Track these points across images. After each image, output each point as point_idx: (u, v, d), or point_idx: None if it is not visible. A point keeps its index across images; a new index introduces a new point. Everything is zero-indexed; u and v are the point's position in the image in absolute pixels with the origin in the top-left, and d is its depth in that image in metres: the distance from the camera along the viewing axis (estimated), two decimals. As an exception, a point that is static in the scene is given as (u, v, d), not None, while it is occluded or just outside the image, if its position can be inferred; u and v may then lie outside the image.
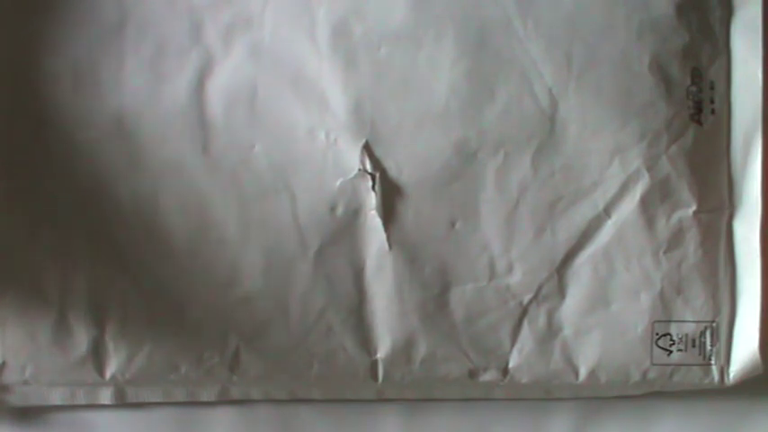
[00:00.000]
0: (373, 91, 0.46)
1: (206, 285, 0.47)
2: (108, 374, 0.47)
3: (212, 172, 0.46)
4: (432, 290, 0.47)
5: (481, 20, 0.46)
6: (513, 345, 0.48)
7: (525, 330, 0.48)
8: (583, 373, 0.48)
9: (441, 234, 0.47)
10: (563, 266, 0.48)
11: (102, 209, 0.46)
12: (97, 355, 0.47)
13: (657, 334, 0.48)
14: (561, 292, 0.48)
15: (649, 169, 0.47)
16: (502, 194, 0.47)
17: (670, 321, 0.48)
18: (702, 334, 0.48)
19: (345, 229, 0.47)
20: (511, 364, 0.48)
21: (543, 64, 0.47)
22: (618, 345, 0.48)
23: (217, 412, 0.50)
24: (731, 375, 0.49)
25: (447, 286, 0.47)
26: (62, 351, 0.47)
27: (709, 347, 0.48)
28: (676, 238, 0.48)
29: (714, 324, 0.48)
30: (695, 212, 0.48)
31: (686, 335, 0.48)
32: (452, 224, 0.47)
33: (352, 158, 0.46)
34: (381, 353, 0.48)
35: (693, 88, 0.48)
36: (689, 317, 0.48)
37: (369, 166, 0.46)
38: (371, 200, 0.47)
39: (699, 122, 0.48)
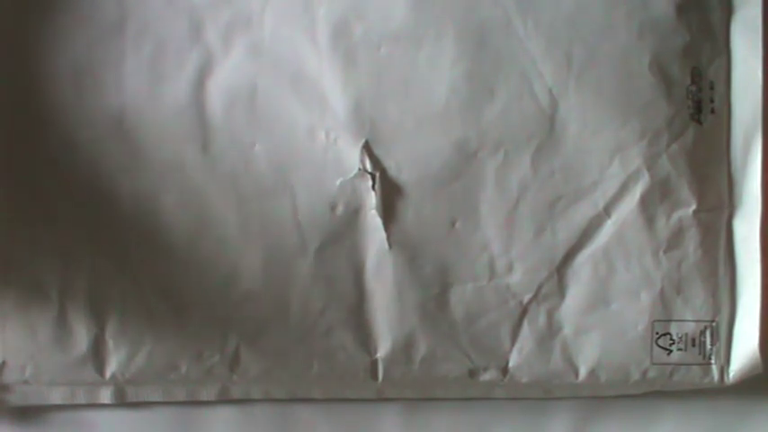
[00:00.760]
0: (373, 91, 0.46)
1: (206, 285, 0.47)
2: (108, 374, 0.47)
3: (212, 171, 0.46)
4: (432, 289, 0.47)
5: (481, 20, 0.47)
6: (512, 344, 0.48)
7: (525, 330, 0.48)
8: (583, 372, 0.48)
9: (441, 233, 0.47)
10: (563, 266, 0.48)
11: (102, 209, 0.46)
12: (97, 355, 0.47)
13: (657, 333, 0.48)
14: (561, 291, 0.48)
15: (649, 169, 0.47)
16: (502, 194, 0.47)
17: (670, 321, 0.48)
18: (702, 333, 0.48)
19: (345, 228, 0.47)
20: (511, 364, 0.48)
21: (543, 64, 0.47)
22: (618, 344, 0.48)
23: (217, 412, 0.50)
24: (731, 375, 0.49)
25: (447, 286, 0.47)
26: (62, 350, 0.47)
27: (708, 347, 0.48)
28: (676, 238, 0.48)
29: (714, 323, 0.48)
30: (695, 212, 0.48)
31: (686, 334, 0.48)
32: (452, 224, 0.47)
33: (352, 158, 0.47)
34: (381, 352, 0.48)
35: (693, 88, 0.48)
36: (689, 316, 0.48)
37: (369, 166, 0.47)
38: (371, 199, 0.47)
39: (699, 122, 0.48)
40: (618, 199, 0.47)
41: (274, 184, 0.47)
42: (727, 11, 0.48)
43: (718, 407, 0.51)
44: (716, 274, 0.48)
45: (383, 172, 0.47)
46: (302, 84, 0.46)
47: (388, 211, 0.47)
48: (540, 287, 0.48)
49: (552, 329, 0.48)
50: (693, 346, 0.48)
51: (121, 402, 0.49)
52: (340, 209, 0.47)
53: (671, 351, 0.48)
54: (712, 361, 0.48)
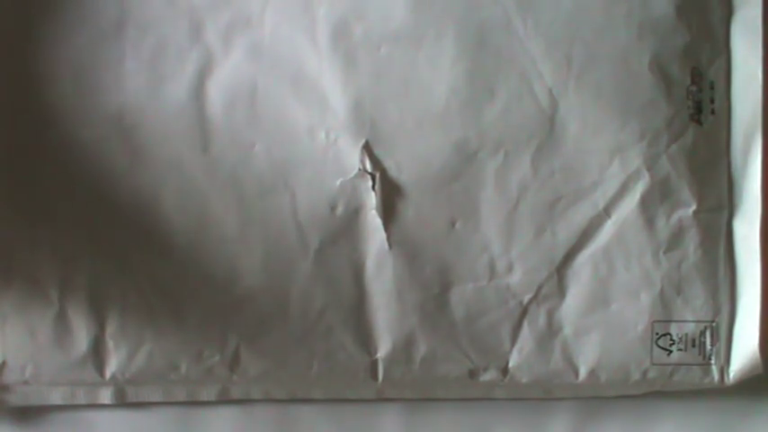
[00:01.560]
0: (373, 91, 0.46)
1: (206, 284, 0.47)
2: (108, 374, 0.47)
3: (212, 171, 0.46)
4: (432, 289, 0.47)
5: (481, 20, 0.47)
6: (513, 344, 0.48)
7: (525, 330, 0.48)
8: (583, 372, 0.48)
9: (441, 234, 0.47)
10: (563, 266, 0.48)
11: (103, 208, 0.46)
12: (97, 355, 0.47)
13: (657, 334, 0.48)
14: (561, 291, 0.48)
15: (649, 169, 0.47)
16: (502, 194, 0.47)
17: (670, 321, 0.48)
18: (702, 334, 0.48)
19: (345, 228, 0.47)
20: (511, 364, 0.48)
21: (543, 64, 0.47)
22: (618, 344, 0.48)
23: (217, 412, 0.50)
24: (731, 375, 0.49)
25: (447, 286, 0.47)
26: (62, 350, 0.47)
27: (708, 347, 0.48)
28: (676, 238, 0.48)
29: (714, 324, 0.48)
30: (695, 212, 0.48)
31: (686, 334, 0.48)
32: (452, 224, 0.47)
33: (352, 158, 0.47)
34: (381, 352, 0.48)
35: (693, 88, 0.48)
36: (689, 316, 0.48)
37: (369, 166, 0.47)
38: (371, 199, 0.47)
39: (699, 122, 0.48)
40: (618, 199, 0.47)
41: (274, 183, 0.47)
42: (728, 11, 0.48)
43: (719, 407, 0.51)
44: (716, 275, 0.48)
45: (383, 172, 0.47)
46: (302, 84, 0.47)
47: (389, 212, 0.47)
48: (540, 287, 0.48)
49: (552, 330, 0.48)
50: (693, 346, 0.48)
51: (121, 402, 0.49)
52: (340, 209, 0.47)
53: (671, 351, 0.48)
54: (712, 361, 0.48)
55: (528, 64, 0.47)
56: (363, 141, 0.47)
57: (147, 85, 0.46)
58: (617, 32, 0.47)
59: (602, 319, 0.48)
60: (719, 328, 0.48)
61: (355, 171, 0.47)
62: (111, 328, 0.47)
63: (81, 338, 0.47)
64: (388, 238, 0.47)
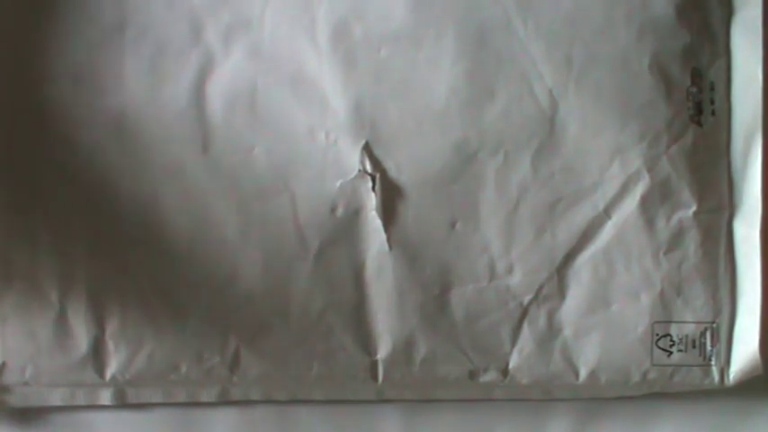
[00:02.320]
0: (373, 91, 0.46)
1: (206, 285, 0.47)
2: (108, 375, 0.47)
3: (212, 172, 0.46)
4: (432, 290, 0.47)
5: (481, 20, 0.47)
6: (513, 345, 0.48)
7: (525, 331, 0.48)
8: (583, 373, 0.48)
9: (441, 235, 0.47)
10: (563, 267, 0.48)
11: (102, 209, 0.46)
12: (97, 356, 0.47)
13: (658, 335, 0.48)
14: (561, 292, 0.48)
15: (649, 170, 0.47)
16: (502, 195, 0.47)
17: (670, 322, 0.48)
18: (702, 335, 0.48)
19: (345, 229, 0.47)
20: (511, 365, 0.48)
21: (543, 64, 0.47)
22: (618, 345, 0.48)
23: (217, 413, 0.50)
24: (731, 376, 0.49)
25: (447, 287, 0.47)
26: (62, 352, 0.47)
27: (709, 348, 0.48)
28: (676, 239, 0.48)
29: (714, 325, 0.48)
30: (695, 213, 0.48)
31: (686, 335, 0.48)
32: (452, 225, 0.47)
33: (353, 159, 0.47)
34: (381, 353, 0.48)
35: (693, 89, 0.48)
36: (689, 317, 0.48)
37: (369, 167, 0.47)
38: (371, 200, 0.47)
39: (699, 123, 0.48)
40: (618, 200, 0.47)
41: (274, 185, 0.47)
42: (728, 11, 0.48)
43: (719, 408, 0.51)
44: (716, 276, 0.48)
45: (383, 173, 0.47)
46: (302, 85, 0.47)
47: (389, 213, 0.47)
48: (540, 288, 0.48)
49: (552, 331, 0.48)
50: (694, 347, 0.48)
51: (122, 404, 0.49)
52: (340, 210, 0.47)
53: (671, 352, 0.48)
54: (712, 362, 0.48)
55: (528, 64, 0.47)
56: (363, 142, 0.47)
57: (147, 86, 0.46)
58: (617, 33, 0.47)
59: (602, 320, 0.48)
60: (720, 328, 0.48)
61: (355, 172, 0.47)
62: (111, 329, 0.47)
63: (81, 339, 0.47)
64: (389, 239, 0.47)
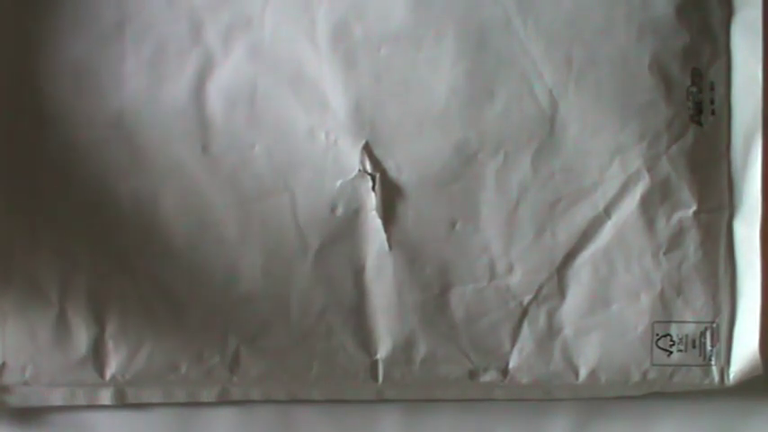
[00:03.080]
0: (373, 91, 0.46)
1: (206, 285, 0.47)
2: (108, 375, 0.47)
3: (212, 172, 0.46)
4: (432, 290, 0.47)
5: (481, 20, 0.47)
6: (513, 345, 0.48)
7: (525, 331, 0.48)
8: (583, 373, 0.48)
9: (441, 234, 0.47)
10: (563, 267, 0.48)
11: (103, 209, 0.46)
12: (97, 356, 0.47)
13: (657, 334, 0.48)
14: (561, 292, 0.48)
15: (649, 170, 0.47)
16: (502, 195, 0.47)
17: (670, 322, 0.48)
18: (702, 334, 0.48)
19: (345, 229, 0.47)
20: (511, 365, 0.48)
21: (543, 64, 0.47)
22: (618, 345, 0.48)
23: (217, 413, 0.50)
24: (731, 376, 0.49)
25: (447, 287, 0.47)
26: (62, 351, 0.47)
27: (709, 348, 0.48)
28: (676, 239, 0.48)
29: (714, 324, 0.48)
30: (695, 213, 0.48)
31: (686, 335, 0.48)
32: (452, 225, 0.47)
33: (352, 159, 0.47)
34: (381, 353, 0.48)
35: (693, 89, 0.48)
36: (689, 317, 0.48)
37: (369, 167, 0.47)
38: (371, 200, 0.47)
39: (699, 123, 0.48)
40: (618, 200, 0.47)
41: (274, 184, 0.47)
42: (728, 12, 0.48)
43: (719, 408, 0.51)
44: (716, 276, 0.48)
45: (383, 173, 0.47)
46: (302, 85, 0.47)
47: (389, 213, 0.47)
48: (540, 288, 0.48)
49: (552, 330, 0.48)
50: (694, 347, 0.48)
51: (121, 403, 0.49)
52: (340, 210, 0.47)
53: (671, 352, 0.48)
54: (712, 362, 0.48)
55: (528, 64, 0.47)
56: (363, 142, 0.47)
57: (147, 86, 0.46)
58: (617, 33, 0.47)
59: (602, 319, 0.48)
60: (720, 328, 0.48)
61: (355, 172, 0.47)
62: (111, 329, 0.47)
63: (81, 339, 0.47)
64: (388, 239, 0.47)
